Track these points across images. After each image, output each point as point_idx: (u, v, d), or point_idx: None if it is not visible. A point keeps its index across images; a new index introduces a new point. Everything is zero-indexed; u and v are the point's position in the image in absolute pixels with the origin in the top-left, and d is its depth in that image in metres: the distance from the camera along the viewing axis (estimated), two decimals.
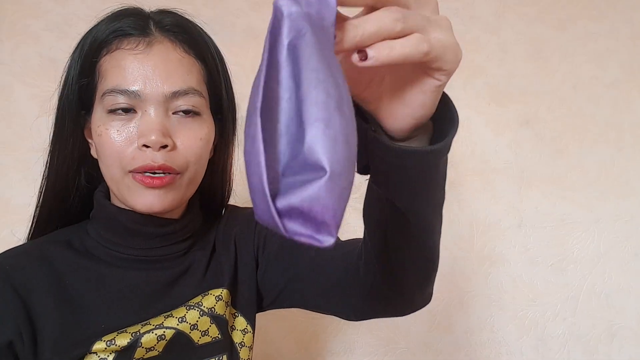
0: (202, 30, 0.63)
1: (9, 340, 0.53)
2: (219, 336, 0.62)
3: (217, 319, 0.62)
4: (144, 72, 0.54)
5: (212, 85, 0.61)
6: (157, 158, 0.54)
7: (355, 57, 0.32)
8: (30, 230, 0.66)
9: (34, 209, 0.65)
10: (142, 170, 0.55)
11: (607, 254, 1.26)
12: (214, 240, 0.68)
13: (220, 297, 0.63)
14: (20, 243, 0.63)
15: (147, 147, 0.54)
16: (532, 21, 1.27)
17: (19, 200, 1.03)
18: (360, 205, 0.51)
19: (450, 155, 0.43)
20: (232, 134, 0.68)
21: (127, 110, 0.55)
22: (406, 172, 0.40)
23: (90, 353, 0.54)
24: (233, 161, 0.71)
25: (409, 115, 0.38)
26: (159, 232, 0.60)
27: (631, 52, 1.29)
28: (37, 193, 0.65)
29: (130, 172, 0.55)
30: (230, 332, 0.64)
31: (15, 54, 1.05)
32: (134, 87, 0.54)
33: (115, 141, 0.55)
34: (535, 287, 1.24)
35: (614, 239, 1.27)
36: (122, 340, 0.55)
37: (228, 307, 0.64)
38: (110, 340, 0.55)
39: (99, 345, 0.55)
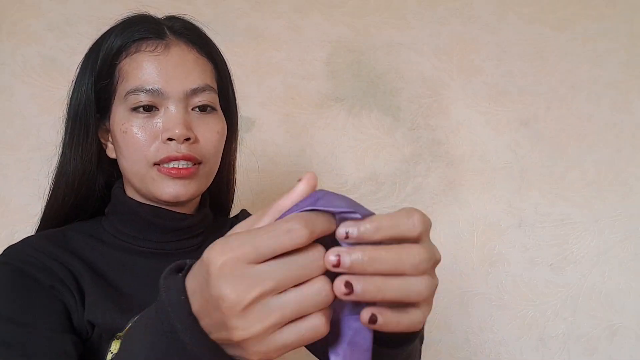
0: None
1: (51, 285, 0.55)
2: None
3: None
4: (165, 72, 0.58)
5: (220, 84, 0.65)
6: (181, 149, 0.58)
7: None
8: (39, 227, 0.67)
9: (40, 213, 0.66)
10: (167, 161, 0.58)
11: (607, 254, 1.27)
12: None
13: None
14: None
15: (172, 140, 0.58)
16: (531, 21, 1.27)
17: (19, 200, 1.03)
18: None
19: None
20: (235, 131, 0.70)
21: (150, 108, 0.59)
22: None
23: (118, 339, 0.56)
24: (235, 160, 0.73)
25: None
26: (176, 225, 0.63)
27: (630, 52, 1.30)
28: (37, 193, 0.65)
29: (155, 164, 0.59)
30: None
31: (16, 54, 1.05)
32: (157, 86, 0.58)
33: (141, 136, 0.58)
34: (535, 287, 1.24)
35: (614, 239, 1.27)
36: None
37: None
38: None
39: None
